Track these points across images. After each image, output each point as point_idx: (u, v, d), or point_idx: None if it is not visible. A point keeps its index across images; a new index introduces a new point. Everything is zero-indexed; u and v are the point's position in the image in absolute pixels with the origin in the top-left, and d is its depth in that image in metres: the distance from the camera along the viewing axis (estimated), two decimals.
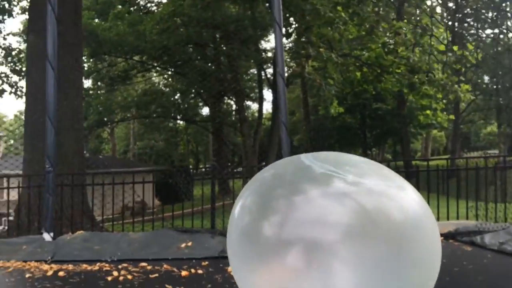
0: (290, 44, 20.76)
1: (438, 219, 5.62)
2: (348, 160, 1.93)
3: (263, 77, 24.71)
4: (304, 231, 1.67)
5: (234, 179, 11.48)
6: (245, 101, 26.85)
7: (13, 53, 16.94)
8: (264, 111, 29.19)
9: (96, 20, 20.39)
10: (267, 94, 34.93)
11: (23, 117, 11.30)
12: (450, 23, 27.69)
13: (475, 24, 28.93)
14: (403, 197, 1.79)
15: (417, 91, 12.34)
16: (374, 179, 1.77)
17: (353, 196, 1.67)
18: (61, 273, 3.84)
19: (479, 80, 29.01)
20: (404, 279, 1.66)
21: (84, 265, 4.10)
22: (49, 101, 5.11)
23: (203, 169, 18.68)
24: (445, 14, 28.05)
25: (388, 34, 12.10)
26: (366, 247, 1.62)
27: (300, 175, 1.82)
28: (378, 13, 16.94)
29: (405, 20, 12.34)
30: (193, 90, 23.95)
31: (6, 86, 16.83)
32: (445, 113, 14.34)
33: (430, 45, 12.26)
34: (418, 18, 14.73)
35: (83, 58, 16.31)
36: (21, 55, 16.85)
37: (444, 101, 13.37)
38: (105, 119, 23.33)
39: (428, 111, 13.81)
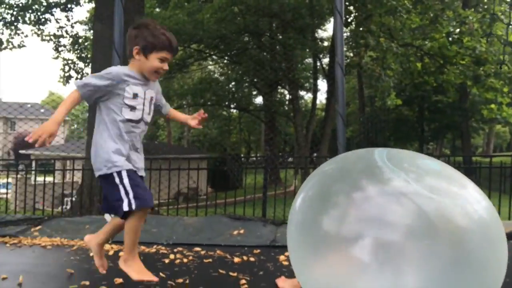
0: (347, 34, 20.35)
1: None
2: (425, 165, 1.86)
3: (318, 67, 24.40)
4: (363, 229, 1.66)
5: (287, 169, 11.49)
6: (299, 91, 26.66)
7: (80, 40, 17.78)
8: (318, 102, 28.88)
9: (157, 9, 20.93)
10: (322, 84, 34.47)
11: (86, 102, 11.83)
12: None
13: None
14: (469, 200, 1.73)
15: (482, 83, 11.66)
16: (443, 185, 1.72)
17: (414, 199, 1.63)
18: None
19: None
20: (469, 283, 1.60)
21: (142, 247, 4.27)
22: None
23: (254, 158, 18.82)
24: None
25: (453, 23, 11.48)
26: (429, 249, 1.58)
27: (368, 175, 1.79)
28: (443, 1, 16.16)
29: (472, 9, 11.67)
30: (248, 79, 24.08)
31: (72, 73, 17.76)
32: (511, 107, 13.49)
33: (498, 35, 11.54)
34: (485, 7, 13.90)
35: None
36: (86, 43, 17.65)
37: (511, 95, 12.59)
38: None
39: (492, 105, 13.05)
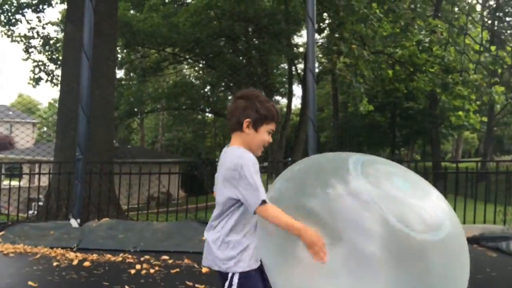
0: (322, 40, 20.57)
1: (464, 222, 5.47)
2: (390, 172, 1.89)
3: (293, 72, 24.59)
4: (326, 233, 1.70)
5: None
6: (274, 96, 26.80)
7: (51, 42, 17.39)
8: (293, 107, 29.07)
9: (132, 11, 20.70)
10: (297, 89, 34.74)
11: (57, 105, 11.59)
12: (489, 22, 26.79)
13: None
14: (431, 209, 1.76)
15: (450, 91, 11.97)
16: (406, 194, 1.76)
17: (376, 205, 1.66)
18: (86, 264, 3.93)
19: None
20: None
21: (108, 255, 4.19)
22: (83, 90, 5.23)
23: None
24: (485, 13, 27.15)
25: (423, 32, 11.76)
26: (391, 258, 1.62)
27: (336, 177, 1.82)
28: (415, 10, 16.52)
29: (442, 18, 11.99)
30: (223, 83, 24.06)
31: (43, 74, 17.34)
32: (478, 115, 13.87)
33: (465, 44, 11.85)
34: (456, 16, 14.29)
35: (117, 48, 16.64)
36: (58, 44, 17.29)
37: (478, 102, 12.97)
38: (136, 109, 23.73)
39: (460, 112, 13.40)
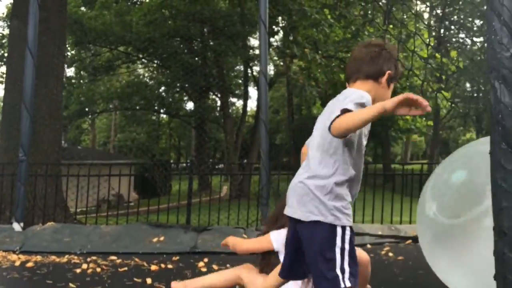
0: (278, 43, 20.80)
1: (410, 222, 5.71)
2: None
3: (249, 74, 24.71)
4: None
5: (213, 176, 11.45)
6: (230, 98, 26.81)
7: None
8: (249, 109, 29.21)
9: (83, 8, 20.09)
10: (253, 91, 34.91)
11: (1, 103, 11.10)
12: (435, 29, 28.06)
13: (461, 32, 29.40)
14: None
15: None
16: None
17: None
18: (29, 264, 3.81)
19: (460, 88, 29.47)
20: None
21: (53, 257, 4.05)
22: (27, 89, 5.03)
23: (183, 164, 18.61)
24: (432, 22, 28.41)
25: (373, 38, 12.19)
26: None
27: None
28: (366, 16, 17.05)
29: (391, 26, 12.46)
30: (178, 84, 23.81)
31: None
32: (424, 119, 14.55)
33: (412, 50, 12.39)
34: (405, 23, 14.89)
35: (67, 46, 16.07)
36: (3, 41, 16.53)
37: None
38: (86, 109, 23.03)
39: (407, 116, 13.99)
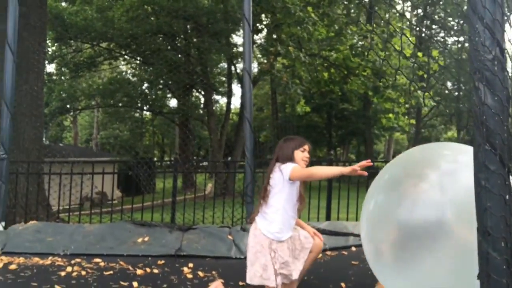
0: (261, 41, 20.78)
1: None
2: None
3: (233, 72, 24.63)
4: None
5: (197, 173, 11.41)
6: (214, 95, 26.70)
7: None
8: (233, 106, 29.13)
9: (63, 4, 19.72)
10: (237, 89, 34.81)
11: None
12: (417, 28, 28.41)
13: (442, 31, 29.82)
14: None
15: (381, 94, 12.65)
16: None
17: None
18: (12, 266, 3.74)
19: (442, 86, 29.88)
20: None
21: (36, 259, 3.99)
22: (7, 85, 4.94)
23: (167, 162, 18.49)
24: (413, 21, 28.73)
25: (356, 37, 12.31)
26: None
27: None
28: (349, 15, 17.18)
29: (374, 25, 12.58)
30: (161, 81, 23.58)
31: None
32: (406, 117, 14.76)
33: (402, 46, 12.54)
34: (388, 21, 15.05)
35: (47, 42, 15.78)
36: None
37: (407, 105, 13.76)
38: (68, 106, 22.64)
39: (390, 115, 14.19)
